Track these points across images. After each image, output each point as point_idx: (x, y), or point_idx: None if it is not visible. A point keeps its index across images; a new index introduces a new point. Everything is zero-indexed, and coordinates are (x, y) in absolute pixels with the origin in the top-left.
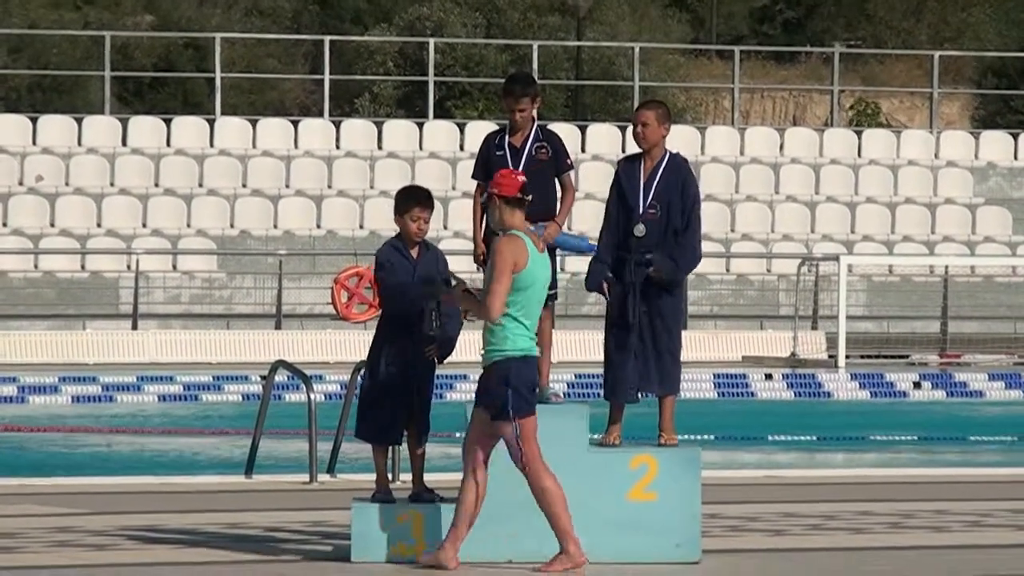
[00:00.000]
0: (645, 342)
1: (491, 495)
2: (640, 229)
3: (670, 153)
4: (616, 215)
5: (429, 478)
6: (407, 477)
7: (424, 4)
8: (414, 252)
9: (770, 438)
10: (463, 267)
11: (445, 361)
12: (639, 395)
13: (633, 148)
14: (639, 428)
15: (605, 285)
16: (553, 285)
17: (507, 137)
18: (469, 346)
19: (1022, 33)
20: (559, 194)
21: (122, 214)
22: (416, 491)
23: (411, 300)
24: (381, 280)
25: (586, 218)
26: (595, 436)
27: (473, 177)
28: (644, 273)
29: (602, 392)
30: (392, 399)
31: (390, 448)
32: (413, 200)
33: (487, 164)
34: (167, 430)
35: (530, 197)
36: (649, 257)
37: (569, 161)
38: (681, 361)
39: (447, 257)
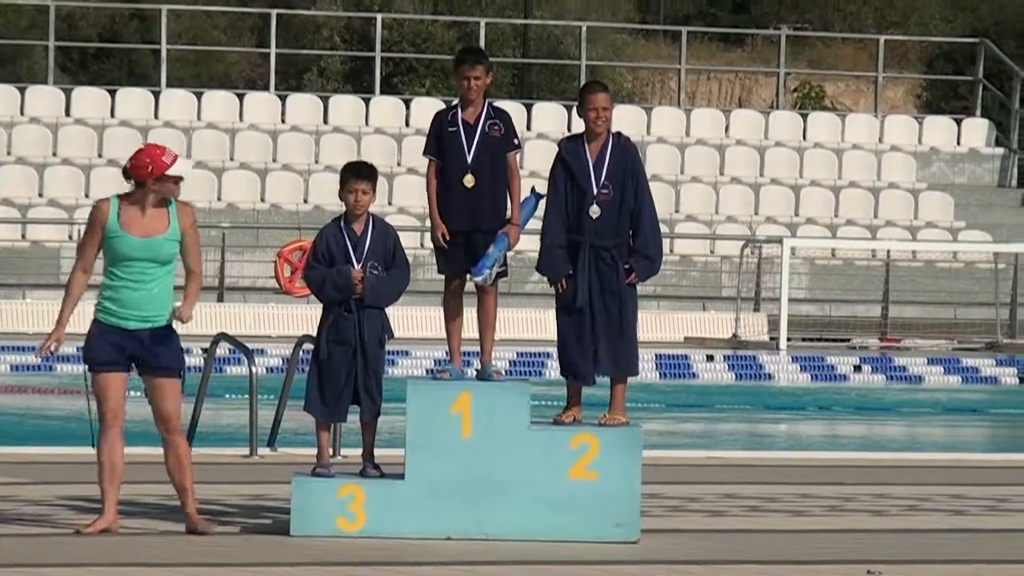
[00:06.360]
0: (602, 324)
1: (430, 472)
2: (595, 211)
3: (614, 133)
4: (565, 197)
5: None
6: (347, 452)
7: None
8: (357, 228)
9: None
10: (409, 243)
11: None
12: (595, 378)
13: (578, 127)
14: (588, 406)
15: (563, 280)
16: (502, 262)
17: (459, 113)
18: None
19: (968, 19)
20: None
21: (64, 184)
22: (363, 466)
23: (326, 295)
24: (305, 269)
25: None
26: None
27: (425, 154)
28: (597, 256)
29: (558, 371)
30: (336, 375)
31: (332, 424)
32: (351, 172)
33: (439, 140)
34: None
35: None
36: (627, 267)
37: (517, 141)
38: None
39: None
